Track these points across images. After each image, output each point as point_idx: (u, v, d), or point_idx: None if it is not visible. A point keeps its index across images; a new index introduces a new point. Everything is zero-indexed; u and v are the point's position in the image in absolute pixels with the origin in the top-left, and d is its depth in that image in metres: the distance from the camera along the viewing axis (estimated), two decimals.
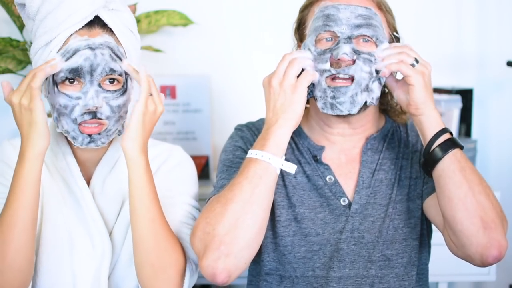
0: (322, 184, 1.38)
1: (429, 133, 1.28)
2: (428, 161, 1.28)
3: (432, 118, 1.29)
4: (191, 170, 1.46)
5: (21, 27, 1.93)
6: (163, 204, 1.33)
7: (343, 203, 1.37)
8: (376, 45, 1.31)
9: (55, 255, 1.33)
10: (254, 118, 1.55)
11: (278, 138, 1.27)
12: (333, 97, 1.29)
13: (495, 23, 2.22)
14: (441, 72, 2.23)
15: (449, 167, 1.25)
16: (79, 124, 1.27)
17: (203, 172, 2.05)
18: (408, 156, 1.42)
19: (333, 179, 1.38)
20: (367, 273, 1.34)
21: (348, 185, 1.39)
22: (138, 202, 1.27)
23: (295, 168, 1.28)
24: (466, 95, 2.15)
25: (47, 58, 1.28)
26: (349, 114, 1.31)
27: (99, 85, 1.27)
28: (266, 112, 1.30)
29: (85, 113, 1.26)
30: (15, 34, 1.99)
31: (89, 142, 1.28)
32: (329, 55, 1.29)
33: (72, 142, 1.30)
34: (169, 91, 2.04)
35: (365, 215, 1.36)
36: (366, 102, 1.31)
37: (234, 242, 1.22)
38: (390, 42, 1.35)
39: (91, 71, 1.25)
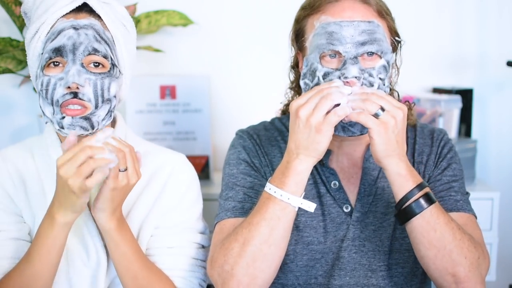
0: (324, 191, 1.37)
1: (395, 190, 1.24)
2: (399, 216, 1.25)
3: (396, 176, 1.22)
4: (198, 188, 1.44)
5: (21, 27, 1.93)
6: (174, 233, 1.36)
7: (345, 210, 1.36)
8: (380, 57, 1.27)
9: None
10: (253, 118, 1.55)
11: (298, 175, 1.22)
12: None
13: (495, 23, 2.22)
14: (441, 72, 2.24)
15: (417, 229, 1.23)
16: (62, 107, 1.22)
17: (203, 173, 2.05)
18: (413, 166, 1.35)
19: (337, 184, 1.37)
20: (367, 282, 1.34)
21: (351, 191, 1.38)
22: (116, 263, 1.29)
23: (315, 206, 1.24)
24: (466, 95, 2.15)
25: (36, 46, 1.26)
26: (361, 134, 1.27)
27: (82, 65, 1.23)
28: (289, 139, 1.24)
29: (66, 93, 1.22)
30: (15, 34, 1.99)
31: (72, 124, 1.22)
32: (336, 77, 1.25)
33: (60, 132, 1.25)
34: (169, 91, 2.04)
35: (366, 224, 1.35)
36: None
37: (252, 283, 1.24)
38: (392, 48, 1.32)
39: (74, 50, 1.22)
